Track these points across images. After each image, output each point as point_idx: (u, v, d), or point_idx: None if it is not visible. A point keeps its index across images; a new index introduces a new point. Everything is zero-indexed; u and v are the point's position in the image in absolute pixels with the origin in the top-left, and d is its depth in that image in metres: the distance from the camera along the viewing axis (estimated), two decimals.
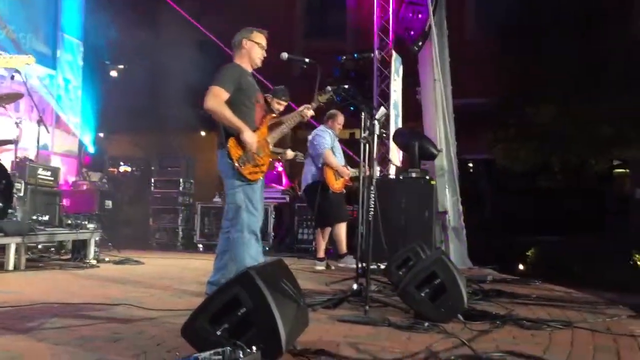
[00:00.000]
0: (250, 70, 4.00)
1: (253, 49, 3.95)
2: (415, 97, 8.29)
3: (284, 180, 10.00)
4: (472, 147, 13.05)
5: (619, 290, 5.13)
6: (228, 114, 3.70)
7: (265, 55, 4.03)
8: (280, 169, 10.20)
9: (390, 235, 6.09)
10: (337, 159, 6.43)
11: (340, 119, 6.51)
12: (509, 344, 2.84)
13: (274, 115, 4.21)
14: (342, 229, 6.35)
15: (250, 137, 3.74)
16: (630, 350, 2.82)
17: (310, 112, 4.17)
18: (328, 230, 6.42)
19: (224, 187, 3.84)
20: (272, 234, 8.69)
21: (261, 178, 3.86)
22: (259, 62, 4.00)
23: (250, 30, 3.98)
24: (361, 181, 4.14)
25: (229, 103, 3.74)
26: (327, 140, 6.32)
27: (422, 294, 3.39)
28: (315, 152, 6.30)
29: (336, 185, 6.28)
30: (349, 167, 6.50)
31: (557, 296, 4.62)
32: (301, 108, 4.23)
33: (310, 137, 6.44)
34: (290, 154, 5.94)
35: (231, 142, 3.75)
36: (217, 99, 3.67)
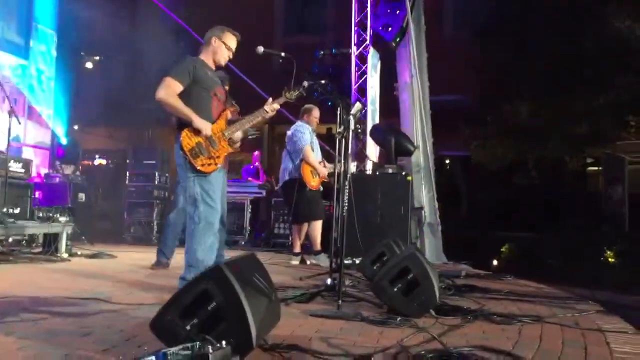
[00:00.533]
0: (213, 66, 4.03)
1: (220, 49, 4.00)
2: (393, 93, 8.31)
3: (261, 175, 9.97)
4: (449, 144, 13.16)
5: (590, 286, 5.21)
6: (178, 104, 3.72)
7: (231, 57, 4.07)
8: (257, 163, 10.18)
9: (366, 231, 6.10)
10: (314, 154, 6.42)
11: (316, 112, 6.49)
12: (480, 339, 2.87)
13: (233, 109, 4.16)
14: (317, 226, 6.35)
15: (201, 124, 3.76)
16: (598, 345, 2.87)
17: (274, 108, 4.13)
18: (305, 226, 6.41)
19: (178, 178, 3.88)
20: (249, 228, 8.68)
21: (218, 169, 3.83)
22: (222, 63, 4.04)
23: (223, 30, 4.02)
24: (336, 177, 4.14)
25: (184, 94, 3.77)
26: (307, 136, 6.30)
27: (395, 289, 3.40)
28: (295, 148, 6.26)
29: (313, 182, 6.26)
30: (326, 164, 6.49)
31: (529, 291, 4.68)
32: (268, 103, 4.18)
33: (289, 133, 6.40)
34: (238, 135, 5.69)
35: (184, 133, 3.77)
36: (168, 89, 3.71)
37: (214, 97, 3.94)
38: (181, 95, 3.78)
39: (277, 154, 14.36)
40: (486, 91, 12.96)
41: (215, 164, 3.83)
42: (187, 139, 3.76)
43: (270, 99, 4.18)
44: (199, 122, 3.76)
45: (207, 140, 3.81)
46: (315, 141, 6.47)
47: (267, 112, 4.11)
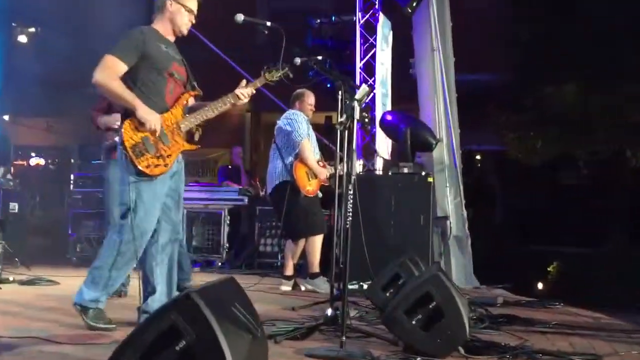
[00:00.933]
0: (171, 37, 4.02)
1: (178, 14, 3.98)
2: (409, 72, 8.29)
3: (243, 177, 9.96)
4: (480, 136, 13.18)
5: None
6: (118, 88, 3.71)
7: (193, 22, 4.05)
8: (237, 162, 10.16)
9: (376, 247, 6.08)
10: (314, 150, 6.42)
11: (310, 98, 6.47)
12: None
13: (195, 93, 4.11)
14: (315, 243, 6.31)
15: (146, 115, 3.73)
16: None
17: (247, 93, 4.10)
18: (301, 243, 6.39)
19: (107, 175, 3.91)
20: (227, 245, 8.65)
21: (167, 172, 3.81)
22: (184, 30, 4.03)
23: None
24: (337, 179, 4.12)
25: (130, 75, 3.77)
26: (304, 127, 6.29)
27: (414, 321, 3.38)
28: (288, 142, 6.24)
29: (309, 187, 6.23)
30: (327, 164, 6.48)
31: (583, 323, 4.67)
32: (240, 87, 4.13)
33: (280, 123, 6.37)
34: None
35: (126, 125, 3.75)
36: (107, 70, 3.70)
37: (170, 78, 3.92)
38: (126, 77, 3.76)
39: (263, 150, 14.38)
40: (524, 69, 12.96)
41: (165, 165, 3.80)
42: (130, 133, 3.72)
43: (244, 82, 4.15)
44: (143, 111, 3.73)
45: (156, 135, 3.78)
46: (313, 134, 6.46)
47: (239, 97, 4.07)
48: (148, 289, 3.93)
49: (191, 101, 4.11)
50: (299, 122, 6.25)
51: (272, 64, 4.20)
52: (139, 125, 3.73)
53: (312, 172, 6.26)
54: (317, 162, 6.34)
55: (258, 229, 8.73)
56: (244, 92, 4.09)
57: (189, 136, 4.07)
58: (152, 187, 3.79)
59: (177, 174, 4.00)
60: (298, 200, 6.16)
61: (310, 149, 6.26)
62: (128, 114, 3.75)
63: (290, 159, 6.24)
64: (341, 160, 4.00)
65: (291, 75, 4.26)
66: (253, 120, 15.13)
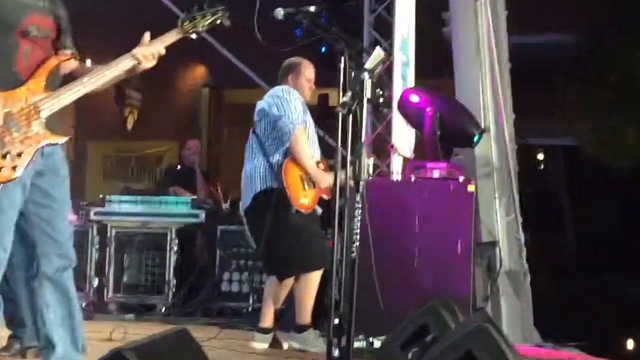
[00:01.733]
0: None
1: None
2: (441, 32, 8.29)
3: (199, 182, 9.94)
4: (543, 125, 13.18)
5: None
6: None
7: None
8: (192, 160, 10.12)
9: (393, 286, 6.06)
10: (312, 146, 6.37)
11: (309, 71, 6.41)
12: None
13: (69, 56, 4.02)
14: (311, 283, 6.21)
15: None
16: None
17: (150, 53, 3.98)
18: (288, 282, 6.35)
19: None
20: (174, 281, 8.62)
21: (16, 178, 3.75)
22: None
23: None
24: (337, 185, 4.11)
25: None
26: (299, 109, 6.24)
27: None
28: (276, 132, 6.18)
29: (304, 198, 6.17)
30: (327, 167, 6.46)
31: None
32: (142, 44, 4.00)
33: (262, 104, 6.31)
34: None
35: None
36: None
37: (23, 38, 3.83)
38: None
39: (227, 141, 14.33)
40: (603, 28, 12.96)
41: (13, 168, 3.72)
42: None
43: (147, 36, 4.02)
44: None
45: None
46: (312, 124, 6.42)
47: (138, 60, 3.96)
48: (43, 344, 3.91)
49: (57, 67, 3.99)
50: (291, 103, 6.18)
51: (197, 8, 4.04)
52: None
53: (308, 177, 6.21)
54: (317, 163, 6.30)
55: (220, 259, 8.69)
56: (145, 52, 3.91)
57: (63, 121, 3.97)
58: (7, 193, 3.70)
59: (44, 174, 3.90)
60: (287, 218, 6.09)
61: (307, 143, 6.21)
62: None
63: (278, 157, 6.17)
64: (343, 159, 3.98)
65: (227, 23, 4.13)
66: (213, 100, 15.14)
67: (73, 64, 4.02)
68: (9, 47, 3.76)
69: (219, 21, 4.04)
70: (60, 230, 3.92)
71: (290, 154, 6.14)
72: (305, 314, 6.30)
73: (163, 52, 3.95)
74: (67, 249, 3.96)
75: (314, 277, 6.20)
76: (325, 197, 6.33)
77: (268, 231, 6.01)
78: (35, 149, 3.73)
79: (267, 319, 6.42)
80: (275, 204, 6.03)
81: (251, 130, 6.38)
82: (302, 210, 6.11)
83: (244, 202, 6.34)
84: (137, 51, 3.89)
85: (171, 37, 3.98)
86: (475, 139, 7.31)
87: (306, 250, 6.16)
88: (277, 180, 6.08)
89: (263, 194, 6.15)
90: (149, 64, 3.93)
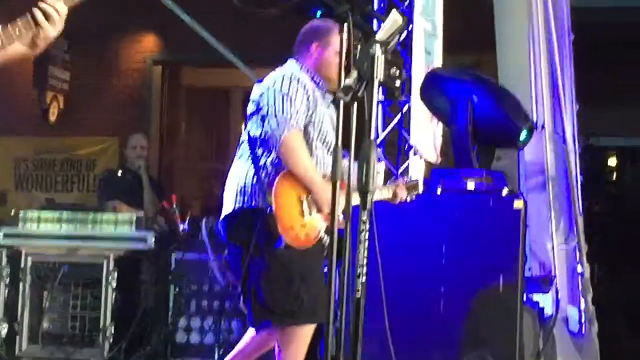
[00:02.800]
0: None
1: None
2: None
3: (146, 192, 9.95)
4: (617, 119, 13.22)
5: None
6: None
7: None
8: (139, 164, 10.13)
9: (411, 336, 6.08)
10: (317, 158, 6.32)
11: (339, 41, 6.35)
12: None
13: None
14: (301, 339, 6.24)
15: None
16: None
17: (53, 11, 4.02)
18: (267, 337, 6.36)
19: None
20: (111, 329, 8.62)
21: None
22: None
23: None
24: (335, 200, 4.12)
25: None
26: (299, 104, 6.20)
27: None
28: (263, 134, 6.18)
29: (301, 229, 6.13)
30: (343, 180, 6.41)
31: None
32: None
33: (256, 92, 6.30)
34: None
35: None
36: None
37: None
38: None
39: (187, 142, 14.27)
40: None
41: None
42: None
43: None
44: None
45: None
46: (329, 121, 6.32)
47: (37, 22, 3.99)
48: None
49: None
50: (286, 98, 6.10)
51: None
52: None
53: (310, 199, 6.15)
54: (324, 176, 6.24)
55: (174, 298, 8.72)
56: (47, 7, 4.00)
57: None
58: None
59: None
60: (273, 253, 6.07)
61: (302, 150, 6.12)
62: None
63: (269, 168, 6.13)
64: (349, 168, 3.99)
65: None
66: (167, 82, 15.14)
67: None
68: None
69: None
70: None
71: (283, 167, 6.07)
72: None
73: (65, 11, 3.98)
74: None
75: (305, 333, 6.20)
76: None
77: (248, 267, 6.03)
78: None
79: None
80: (258, 232, 5.99)
81: (244, 127, 6.38)
82: (295, 245, 6.08)
83: (224, 208, 6.31)
84: (44, 5, 3.93)
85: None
86: (523, 136, 7.28)
87: (293, 297, 6.13)
88: (262, 199, 6.06)
89: (247, 212, 6.15)
90: (48, 28, 3.97)
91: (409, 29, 8.23)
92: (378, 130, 8.21)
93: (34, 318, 8.38)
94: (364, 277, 3.86)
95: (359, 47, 4.03)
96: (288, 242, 5.98)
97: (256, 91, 6.29)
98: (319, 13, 7.63)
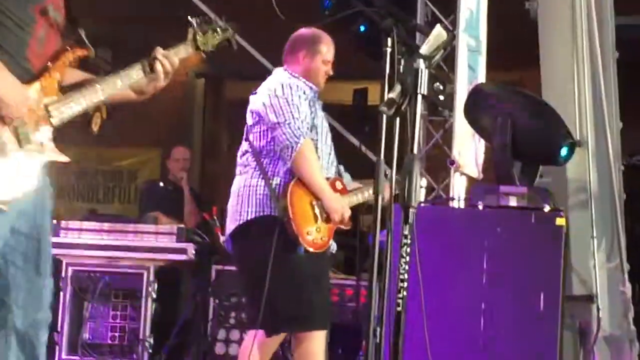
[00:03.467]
0: None
1: None
2: (523, 6, 8.28)
3: (188, 204, 9.97)
4: None
5: None
6: None
7: None
8: (180, 176, 10.15)
9: (451, 352, 6.06)
10: (321, 162, 6.33)
11: (331, 51, 6.41)
12: None
13: (85, 53, 4.10)
14: (316, 347, 6.24)
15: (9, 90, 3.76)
16: None
17: (169, 63, 4.10)
18: (273, 342, 6.34)
19: None
20: (150, 339, 8.62)
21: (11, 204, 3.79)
22: None
23: None
24: (378, 213, 4.11)
25: None
26: (304, 108, 6.22)
27: None
28: (275, 144, 6.20)
29: (316, 233, 6.17)
30: (348, 182, 6.43)
31: None
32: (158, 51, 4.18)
33: (256, 103, 6.30)
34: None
35: None
36: None
37: (41, 17, 3.96)
38: None
39: (229, 155, 14.29)
40: None
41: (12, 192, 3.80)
42: None
43: (159, 51, 4.18)
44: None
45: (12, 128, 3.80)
46: (323, 123, 6.40)
47: (156, 71, 4.09)
48: None
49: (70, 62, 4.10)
50: (293, 104, 6.13)
51: (202, 19, 4.23)
52: None
53: (322, 205, 6.17)
54: (331, 182, 6.27)
55: (214, 310, 8.73)
56: (165, 61, 4.14)
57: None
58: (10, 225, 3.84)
59: (36, 203, 3.98)
60: (290, 258, 6.09)
61: (315, 158, 6.13)
62: None
63: (280, 178, 6.15)
64: (387, 177, 3.97)
65: (233, 45, 4.31)
66: (210, 95, 15.19)
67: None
68: (25, 26, 3.90)
69: (227, 41, 4.37)
70: (39, 276, 4.06)
71: (294, 175, 6.15)
72: None
73: (177, 64, 4.18)
74: (42, 301, 4.10)
75: (318, 340, 6.20)
76: (343, 227, 6.32)
77: (261, 271, 5.98)
78: (39, 167, 3.96)
79: None
80: (277, 238, 6.00)
81: (244, 138, 6.38)
82: (312, 249, 6.13)
83: (229, 230, 6.36)
84: (159, 55, 4.13)
85: (182, 51, 4.26)
86: (564, 153, 7.19)
87: (309, 302, 6.13)
88: (279, 207, 6.09)
89: (260, 222, 6.16)
90: (162, 78, 4.16)
91: (453, 44, 8.22)
92: (421, 145, 8.18)
93: (73, 328, 8.39)
94: (405, 292, 3.85)
95: (402, 61, 4.02)
96: (307, 247, 6.06)
97: (255, 102, 6.32)
98: (362, 27, 7.66)
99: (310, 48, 6.39)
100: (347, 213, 6.27)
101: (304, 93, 6.21)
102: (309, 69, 6.36)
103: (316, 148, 6.20)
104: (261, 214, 6.17)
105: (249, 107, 6.36)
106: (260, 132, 6.24)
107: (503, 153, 6.98)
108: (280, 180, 6.13)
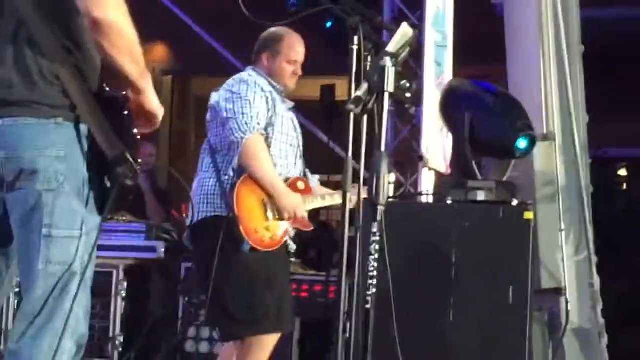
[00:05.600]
0: None
1: None
2: (491, 2, 8.31)
3: (155, 201, 9.93)
4: (628, 130, 13.20)
5: None
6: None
7: None
8: (145, 174, 10.11)
9: (420, 348, 6.08)
10: (279, 161, 6.31)
11: (296, 50, 6.41)
12: None
13: None
14: (260, 348, 6.19)
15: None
16: None
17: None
18: (231, 348, 6.30)
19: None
20: (120, 339, 8.60)
21: None
22: None
23: None
24: (346, 211, 4.12)
25: None
26: (260, 106, 6.21)
27: None
28: (225, 139, 6.19)
29: (264, 231, 6.12)
30: (314, 184, 6.44)
31: None
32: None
33: (215, 99, 6.30)
34: None
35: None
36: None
37: None
38: None
39: (194, 148, 14.24)
40: None
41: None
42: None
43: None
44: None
45: None
46: (289, 123, 6.40)
47: None
48: None
49: None
50: (246, 101, 6.12)
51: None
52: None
53: (272, 201, 6.14)
54: (292, 182, 6.26)
55: (184, 308, 8.72)
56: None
57: None
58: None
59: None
60: (237, 258, 6.06)
61: (264, 153, 6.12)
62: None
63: (231, 173, 6.14)
64: (355, 174, 3.99)
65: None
66: (176, 92, 15.14)
67: None
68: None
69: None
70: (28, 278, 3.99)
71: (245, 172, 6.12)
72: None
73: None
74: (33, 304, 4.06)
75: (268, 343, 6.19)
76: (302, 228, 6.32)
77: (209, 272, 5.98)
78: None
79: None
80: (223, 237, 5.96)
81: (207, 137, 6.40)
82: (260, 248, 6.11)
83: (189, 224, 6.35)
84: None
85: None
86: (522, 146, 7.12)
87: (258, 303, 6.11)
88: (226, 204, 6.08)
89: (207, 222, 6.16)
90: None
91: (422, 38, 8.24)
92: (389, 141, 8.20)
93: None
94: (374, 289, 3.86)
95: (369, 58, 4.03)
96: (253, 245, 6.02)
97: (214, 98, 6.34)
98: (329, 24, 7.64)
99: (272, 49, 6.39)
100: (300, 212, 6.21)
101: (262, 90, 6.18)
102: (272, 70, 6.35)
103: (269, 146, 6.21)
104: (212, 213, 6.17)
105: (208, 104, 6.37)
106: (216, 129, 6.25)
107: (461, 148, 7.02)
108: (230, 178, 6.15)
